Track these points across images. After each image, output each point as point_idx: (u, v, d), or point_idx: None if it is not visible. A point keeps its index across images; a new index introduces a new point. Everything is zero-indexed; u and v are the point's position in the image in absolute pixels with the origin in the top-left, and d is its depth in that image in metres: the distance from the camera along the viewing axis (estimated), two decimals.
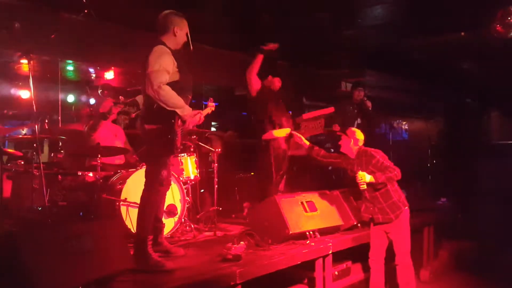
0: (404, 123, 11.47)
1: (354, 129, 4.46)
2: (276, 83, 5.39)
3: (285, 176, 5.61)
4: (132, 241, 3.56)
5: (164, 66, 3.29)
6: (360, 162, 4.23)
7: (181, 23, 3.53)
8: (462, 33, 6.72)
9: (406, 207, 4.22)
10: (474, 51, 7.55)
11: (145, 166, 4.45)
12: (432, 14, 6.04)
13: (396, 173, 4.10)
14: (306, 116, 5.65)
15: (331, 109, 5.75)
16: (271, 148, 5.23)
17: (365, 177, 4.03)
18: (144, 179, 3.56)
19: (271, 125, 5.24)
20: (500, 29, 5.59)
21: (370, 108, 6.27)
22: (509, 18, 5.50)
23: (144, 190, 3.53)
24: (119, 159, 5.24)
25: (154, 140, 3.44)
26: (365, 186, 4.05)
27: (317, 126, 5.75)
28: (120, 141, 5.32)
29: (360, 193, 4.30)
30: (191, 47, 3.58)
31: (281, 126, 5.25)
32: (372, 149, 4.30)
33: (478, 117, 10.77)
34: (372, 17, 6.17)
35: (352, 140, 4.32)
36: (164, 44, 3.45)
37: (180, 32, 3.52)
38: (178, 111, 3.35)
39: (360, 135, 4.37)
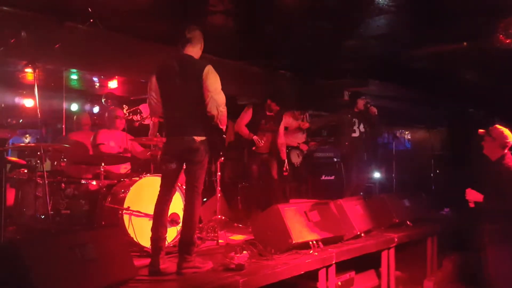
0: (407, 133, 11.45)
1: (502, 129, 3.99)
2: (273, 106, 5.89)
3: (284, 186, 5.69)
4: (136, 249, 3.56)
5: (220, 86, 3.56)
6: (494, 171, 3.88)
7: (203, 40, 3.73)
8: (465, 43, 6.74)
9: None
10: (477, 61, 7.56)
11: (149, 175, 4.49)
12: (434, 24, 6.06)
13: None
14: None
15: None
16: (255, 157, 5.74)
17: (471, 195, 3.81)
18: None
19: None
20: (503, 38, 5.61)
21: (375, 114, 6.27)
22: None
23: (195, 195, 3.60)
24: (124, 167, 5.24)
25: (206, 150, 3.59)
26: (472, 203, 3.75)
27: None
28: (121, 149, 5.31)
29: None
30: None
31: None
32: None
33: (481, 127, 10.72)
34: (374, 27, 6.20)
35: (498, 143, 3.92)
36: (192, 57, 3.62)
37: (202, 48, 3.74)
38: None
39: (509, 137, 3.87)
